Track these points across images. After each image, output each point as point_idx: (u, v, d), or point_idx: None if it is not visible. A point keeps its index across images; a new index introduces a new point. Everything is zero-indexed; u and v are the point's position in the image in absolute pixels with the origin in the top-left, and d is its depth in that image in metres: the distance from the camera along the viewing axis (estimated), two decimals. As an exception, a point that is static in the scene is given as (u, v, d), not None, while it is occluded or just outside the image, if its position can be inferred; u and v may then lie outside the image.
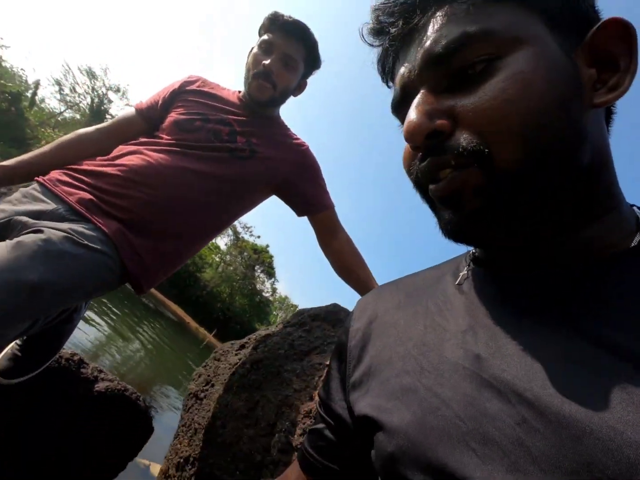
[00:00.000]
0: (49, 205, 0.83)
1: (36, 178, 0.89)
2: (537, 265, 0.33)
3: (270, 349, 0.91)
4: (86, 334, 5.56)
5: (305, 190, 1.09)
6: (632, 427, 0.20)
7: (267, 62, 0.97)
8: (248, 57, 1.04)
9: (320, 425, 0.47)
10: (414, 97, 0.33)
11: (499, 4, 0.30)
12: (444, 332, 0.34)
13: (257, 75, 0.99)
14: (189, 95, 1.05)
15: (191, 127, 0.97)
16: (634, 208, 0.34)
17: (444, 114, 0.31)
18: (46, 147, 0.96)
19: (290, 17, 1.01)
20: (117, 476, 1.38)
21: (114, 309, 8.76)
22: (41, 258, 0.70)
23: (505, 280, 0.34)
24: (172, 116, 1.01)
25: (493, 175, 0.29)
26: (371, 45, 0.39)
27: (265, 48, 0.99)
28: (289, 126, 1.15)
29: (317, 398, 0.52)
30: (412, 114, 0.31)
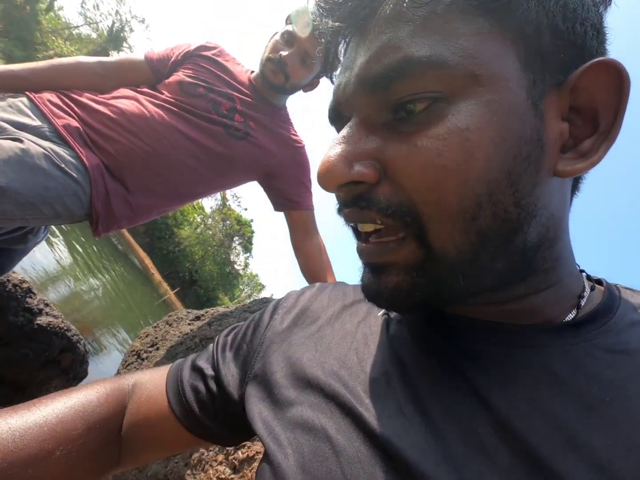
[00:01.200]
0: (34, 122, 0.81)
1: (26, 92, 0.85)
2: (464, 323, 0.30)
3: (223, 330, 0.90)
4: (45, 259, 5.38)
5: (287, 186, 1.09)
6: None
7: (285, 53, 0.96)
8: (269, 41, 1.03)
9: (209, 370, 0.41)
10: (347, 120, 0.28)
11: (467, 17, 0.23)
12: (360, 371, 0.31)
13: (272, 60, 0.98)
14: (202, 60, 1.03)
15: (193, 91, 0.96)
16: (583, 275, 0.32)
17: (370, 157, 0.25)
18: (40, 64, 0.90)
19: None
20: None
21: (80, 241, 8.49)
22: (14, 165, 0.69)
23: (428, 329, 0.31)
24: (178, 75, 0.99)
25: (428, 254, 0.25)
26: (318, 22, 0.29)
27: (287, 39, 0.98)
28: (292, 121, 1.13)
29: (217, 339, 0.45)
30: (331, 152, 0.25)
